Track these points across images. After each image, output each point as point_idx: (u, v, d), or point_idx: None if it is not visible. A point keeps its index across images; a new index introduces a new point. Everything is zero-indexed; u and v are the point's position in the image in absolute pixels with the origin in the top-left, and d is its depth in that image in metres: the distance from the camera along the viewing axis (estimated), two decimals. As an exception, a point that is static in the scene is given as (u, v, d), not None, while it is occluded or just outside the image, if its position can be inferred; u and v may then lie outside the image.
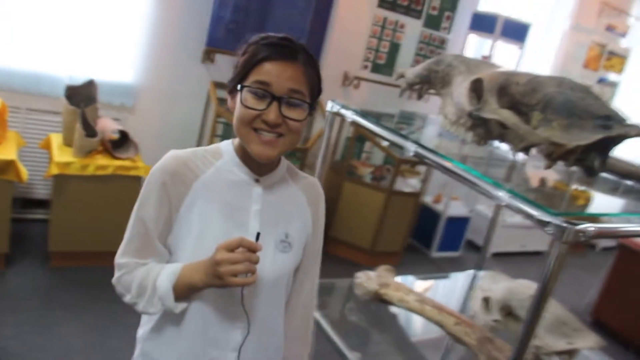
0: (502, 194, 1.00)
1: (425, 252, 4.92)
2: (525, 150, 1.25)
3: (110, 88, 3.52)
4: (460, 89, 1.35)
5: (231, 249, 1.00)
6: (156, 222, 1.12)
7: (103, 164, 3.04)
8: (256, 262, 1.01)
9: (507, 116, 1.19)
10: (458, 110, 1.34)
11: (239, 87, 1.07)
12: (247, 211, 1.14)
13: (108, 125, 3.22)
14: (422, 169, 4.85)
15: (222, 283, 1.01)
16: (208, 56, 3.74)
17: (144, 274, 1.11)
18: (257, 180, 1.16)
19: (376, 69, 4.57)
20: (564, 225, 0.87)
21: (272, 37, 1.08)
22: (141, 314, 1.21)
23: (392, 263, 2.13)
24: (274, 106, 1.03)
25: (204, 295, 1.11)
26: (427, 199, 4.97)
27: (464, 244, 5.13)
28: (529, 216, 0.92)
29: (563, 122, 1.17)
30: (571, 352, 1.46)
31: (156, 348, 1.19)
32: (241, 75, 1.07)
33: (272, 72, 1.04)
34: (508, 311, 1.55)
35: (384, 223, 4.23)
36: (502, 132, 1.27)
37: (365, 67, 4.54)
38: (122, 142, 3.22)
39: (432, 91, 1.52)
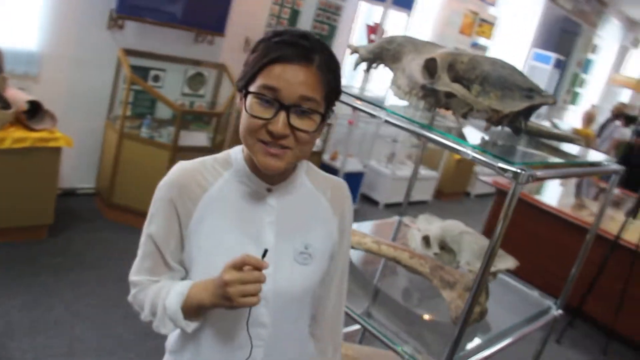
0: (467, 150, 1.29)
1: (327, 207, 5.29)
2: (465, 115, 1.57)
3: (12, 56, 3.33)
4: (412, 64, 1.62)
5: (238, 267, 0.92)
6: (166, 240, 1.06)
7: (20, 136, 2.95)
8: (263, 282, 0.93)
9: (457, 88, 1.49)
10: (411, 82, 1.61)
11: (244, 92, 0.97)
12: (260, 224, 1.06)
13: (18, 96, 3.10)
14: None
15: (230, 304, 0.94)
16: (116, 22, 3.67)
17: (155, 293, 1.05)
18: (269, 190, 1.07)
19: (277, 34, 4.73)
20: (519, 171, 1.19)
21: (286, 33, 0.96)
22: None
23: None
24: (281, 116, 0.93)
25: (214, 316, 1.06)
26: (325, 157, 5.34)
27: (359, 197, 5.59)
28: (491, 165, 1.23)
29: (497, 93, 1.50)
30: (494, 273, 1.85)
31: None
32: (249, 76, 0.96)
33: (282, 76, 0.92)
34: (443, 246, 1.90)
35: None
36: (447, 101, 1.57)
37: (267, 32, 4.68)
38: (33, 113, 3.12)
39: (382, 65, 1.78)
